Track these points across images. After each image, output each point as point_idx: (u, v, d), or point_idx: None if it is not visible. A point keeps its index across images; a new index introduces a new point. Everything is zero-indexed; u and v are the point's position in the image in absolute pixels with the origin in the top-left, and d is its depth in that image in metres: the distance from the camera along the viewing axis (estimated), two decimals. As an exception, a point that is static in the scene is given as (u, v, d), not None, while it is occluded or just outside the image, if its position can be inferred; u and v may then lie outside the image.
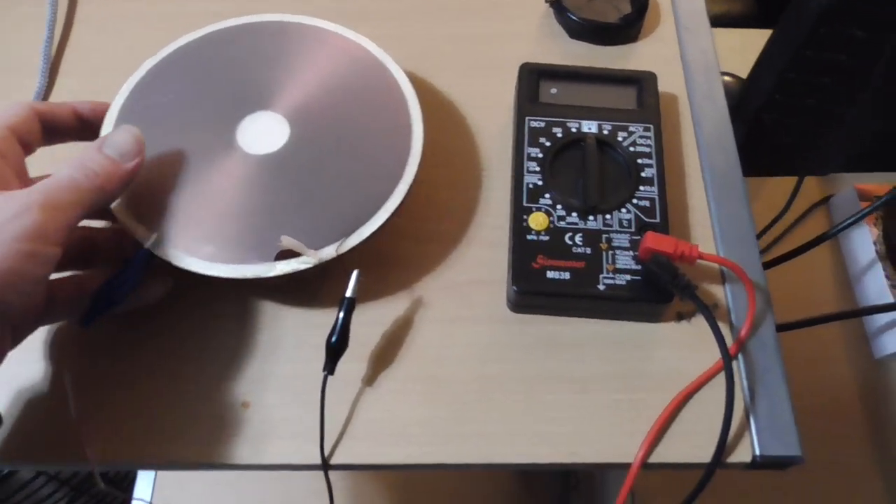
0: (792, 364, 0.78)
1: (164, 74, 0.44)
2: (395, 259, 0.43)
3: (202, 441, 0.38)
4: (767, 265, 0.70)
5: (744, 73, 1.01)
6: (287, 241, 0.37)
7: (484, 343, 0.41)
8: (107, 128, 0.41)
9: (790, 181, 0.77)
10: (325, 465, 0.37)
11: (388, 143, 0.41)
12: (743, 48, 0.90)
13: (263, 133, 0.41)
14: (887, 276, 0.74)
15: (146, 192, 0.39)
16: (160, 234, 0.38)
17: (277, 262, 0.37)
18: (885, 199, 0.63)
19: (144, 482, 0.80)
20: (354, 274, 0.38)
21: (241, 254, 0.38)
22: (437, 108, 0.49)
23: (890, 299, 0.73)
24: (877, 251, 0.76)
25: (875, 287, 0.75)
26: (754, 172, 0.67)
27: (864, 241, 0.78)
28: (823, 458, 0.73)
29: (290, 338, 0.41)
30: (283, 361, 0.40)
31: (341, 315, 0.38)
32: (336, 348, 0.37)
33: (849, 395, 0.75)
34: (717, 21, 1.21)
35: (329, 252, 0.38)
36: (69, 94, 0.49)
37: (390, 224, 0.40)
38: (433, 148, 0.47)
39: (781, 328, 0.62)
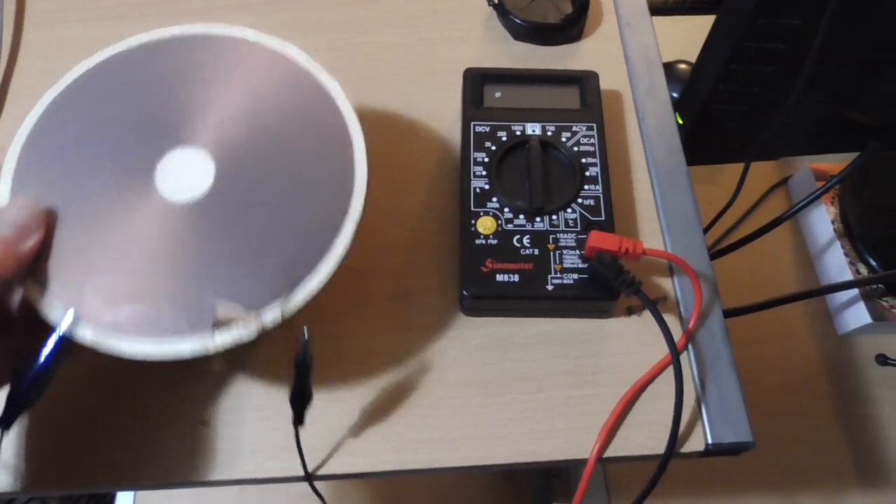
0: (758, 343, 0.79)
1: (69, 108, 0.38)
2: (345, 270, 0.44)
3: (169, 460, 0.39)
4: (727, 249, 0.71)
5: (694, 59, 1.02)
6: (223, 310, 0.33)
7: (439, 348, 0.42)
8: (4, 181, 0.36)
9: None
10: (309, 477, 0.38)
11: (328, 172, 0.37)
12: (692, 34, 0.92)
13: (185, 174, 0.36)
14: (846, 254, 0.76)
15: (53, 256, 0.34)
16: (75, 311, 0.33)
17: (216, 334, 0.33)
18: (837, 180, 0.65)
19: (125, 494, 0.81)
20: (305, 332, 0.34)
21: (172, 325, 0.33)
22: (383, 117, 0.49)
23: (849, 277, 0.74)
24: (835, 229, 0.77)
25: (835, 264, 0.77)
26: (705, 160, 0.69)
27: (822, 221, 0.79)
28: (792, 434, 0.74)
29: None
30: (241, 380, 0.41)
31: (298, 378, 0.34)
32: (300, 404, 0.35)
33: (815, 372, 0.77)
34: (674, 6, 1.22)
35: (273, 316, 0.33)
36: (18, 122, 0.49)
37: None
38: (381, 158, 0.47)
39: (742, 311, 0.63)
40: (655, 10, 0.55)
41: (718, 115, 0.57)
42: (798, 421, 0.75)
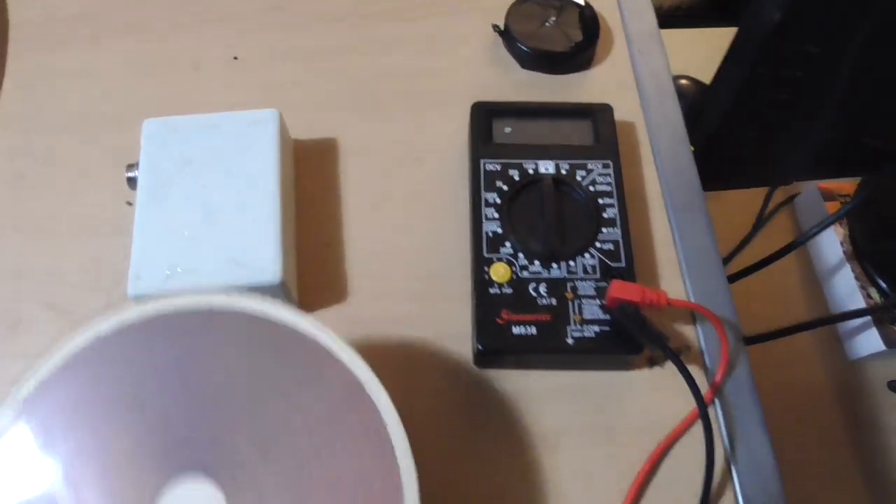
0: (767, 367, 0.77)
1: (49, 411, 0.29)
2: (353, 317, 0.41)
3: None
4: (735, 276, 0.69)
5: (696, 73, 1.00)
6: None
7: (450, 401, 0.39)
8: None
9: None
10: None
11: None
12: (693, 47, 0.90)
13: None
14: (856, 277, 0.74)
15: None
16: None
17: None
18: (851, 206, 0.63)
19: None
20: None
21: None
22: (384, 147, 0.47)
23: (860, 300, 0.73)
24: (844, 251, 0.76)
25: (845, 288, 0.75)
26: (713, 186, 0.66)
27: (830, 242, 0.77)
28: (801, 458, 0.73)
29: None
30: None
31: None
32: None
33: (824, 397, 0.75)
34: (669, 15, 1.20)
35: None
36: (0, 157, 0.46)
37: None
38: (382, 191, 0.45)
39: (753, 340, 0.61)
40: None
41: (730, 140, 0.55)
42: (807, 448, 0.73)
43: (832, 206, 0.78)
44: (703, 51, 1.06)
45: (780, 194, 0.83)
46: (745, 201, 0.84)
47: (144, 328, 0.31)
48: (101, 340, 0.31)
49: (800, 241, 0.67)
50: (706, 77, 0.94)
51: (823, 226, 0.65)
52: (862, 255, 0.74)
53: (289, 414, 0.30)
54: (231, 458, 0.29)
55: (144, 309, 0.31)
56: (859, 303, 0.72)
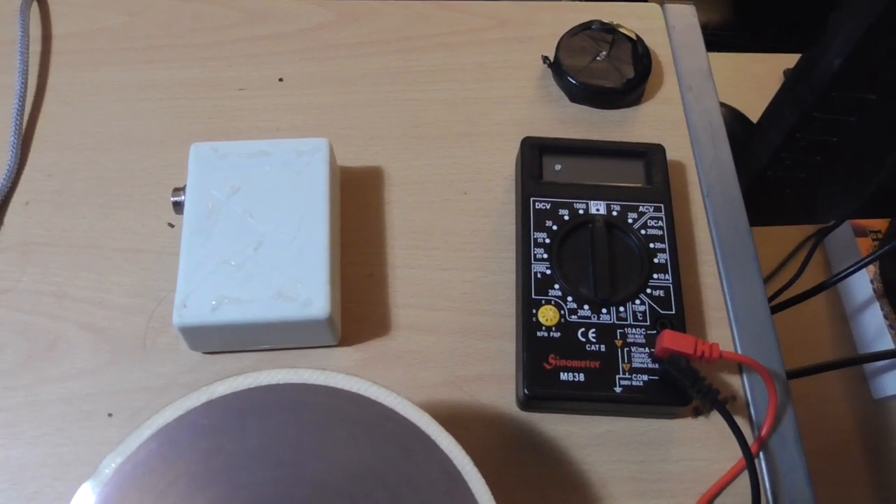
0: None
1: (140, 480, 0.28)
2: (396, 351, 0.41)
3: None
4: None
5: (727, 98, 0.99)
6: None
7: (492, 444, 0.39)
8: None
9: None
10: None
11: None
12: (723, 71, 0.89)
13: None
14: (885, 317, 0.73)
15: None
16: None
17: None
18: (886, 250, 0.62)
19: None
20: None
21: None
22: (432, 177, 0.46)
23: (888, 340, 0.72)
24: (874, 289, 0.75)
25: (873, 327, 0.74)
26: (754, 222, 0.66)
27: (860, 279, 0.77)
28: (823, 497, 0.72)
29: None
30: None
31: None
32: None
33: (849, 436, 0.74)
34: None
35: None
36: (42, 172, 0.46)
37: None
38: (429, 225, 0.44)
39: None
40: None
41: (776, 181, 0.54)
42: (831, 489, 0.72)
43: (864, 243, 0.77)
44: (730, 75, 1.06)
45: (810, 228, 0.82)
46: (771, 232, 0.83)
47: (234, 402, 0.30)
48: (190, 413, 0.30)
49: (832, 282, 0.66)
50: (730, 101, 0.93)
51: (857, 267, 0.64)
52: (892, 293, 0.74)
53: (387, 500, 0.28)
54: None
55: (235, 383, 0.30)
56: (887, 342, 0.71)
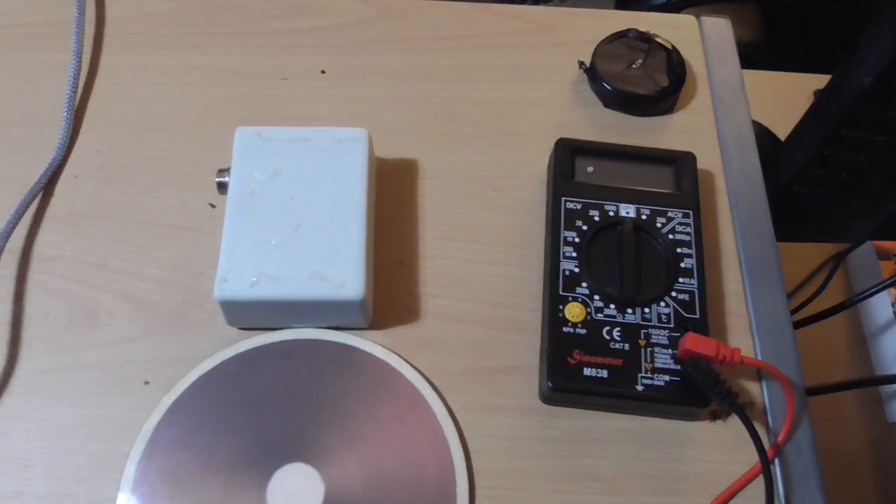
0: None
1: (183, 418, 0.39)
2: (422, 338, 0.42)
3: None
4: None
5: (754, 115, 1.00)
6: None
7: (512, 435, 0.40)
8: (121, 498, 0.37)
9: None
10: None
11: (431, 502, 0.37)
12: (752, 88, 0.90)
13: (296, 494, 0.37)
14: (904, 340, 0.73)
15: None
16: None
17: None
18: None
19: None
20: None
21: None
22: (462, 174, 0.47)
23: (906, 363, 0.72)
24: (895, 312, 0.75)
25: (892, 349, 0.74)
26: (777, 238, 0.66)
27: (880, 301, 0.77)
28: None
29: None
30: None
31: None
32: None
33: (862, 459, 0.74)
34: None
35: None
36: (90, 148, 0.47)
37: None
38: (460, 219, 0.46)
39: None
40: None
41: (802, 196, 0.55)
42: (841, 507, 0.72)
43: (887, 266, 0.77)
44: (758, 93, 1.06)
45: (832, 247, 0.83)
46: (792, 250, 0.83)
47: (256, 354, 0.40)
48: (239, 355, 0.40)
49: (852, 302, 0.66)
50: (758, 117, 0.94)
51: (879, 288, 0.64)
52: (913, 318, 0.74)
53: (366, 416, 0.39)
54: (322, 448, 0.38)
55: (255, 340, 0.41)
56: (906, 366, 0.71)
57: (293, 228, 0.40)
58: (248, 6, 0.54)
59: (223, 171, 0.42)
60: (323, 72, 0.51)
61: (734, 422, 0.40)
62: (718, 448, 0.40)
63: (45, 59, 0.50)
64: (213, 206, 0.45)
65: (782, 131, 0.72)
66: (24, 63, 0.50)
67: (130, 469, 0.37)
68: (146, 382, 0.40)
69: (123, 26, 0.52)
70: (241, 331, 0.42)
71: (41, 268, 0.43)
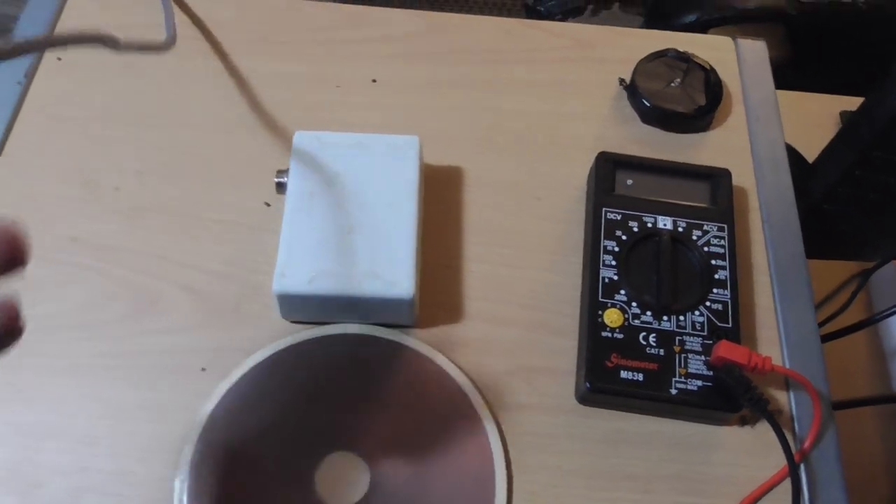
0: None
1: (238, 405, 0.41)
2: (465, 338, 0.44)
3: None
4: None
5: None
6: None
7: (548, 433, 0.42)
8: (180, 479, 0.39)
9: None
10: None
11: (471, 494, 0.39)
12: (780, 108, 0.91)
13: (343, 481, 0.39)
14: (925, 359, 0.74)
15: None
16: None
17: None
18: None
19: None
20: None
21: None
22: (503, 181, 0.50)
23: (927, 383, 0.73)
24: (916, 332, 0.76)
25: (912, 368, 0.76)
26: (807, 255, 0.68)
27: (902, 321, 0.78)
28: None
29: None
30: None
31: None
32: None
33: (879, 473, 0.75)
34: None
35: None
36: (154, 146, 0.50)
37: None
38: (503, 226, 0.48)
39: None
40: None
41: (831, 215, 0.56)
42: (857, 523, 0.73)
43: (909, 286, 0.79)
44: (787, 112, 1.08)
45: (857, 266, 0.84)
46: (817, 268, 0.85)
47: (307, 347, 0.43)
48: (292, 346, 0.43)
49: (876, 319, 0.68)
50: (786, 138, 0.95)
51: (903, 308, 0.66)
52: (934, 338, 0.75)
53: (411, 410, 0.41)
54: (373, 440, 0.40)
55: (307, 333, 0.43)
56: (926, 386, 0.73)
57: (348, 229, 0.42)
58: (305, 16, 0.56)
59: (282, 172, 0.44)
60: (374, 81, 0.53)
61: (762, 428, 0.42)
62: (746, 452, 0.41)
63: (118, 60, 0.53)
64: (268, 204, 0.48)
65: (808, 151, 0.73)
66: (93, 63, 0.53)
67: (187, 451, 0.39)
68: (203, 369, 0.42)
69: (188, 32, 0.55)
70: (293, 324, 0.44)
71: (106, 257, 0.46)
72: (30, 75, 0.52)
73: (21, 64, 0.52)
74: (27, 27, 0.54)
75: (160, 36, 0.49)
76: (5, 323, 0.26)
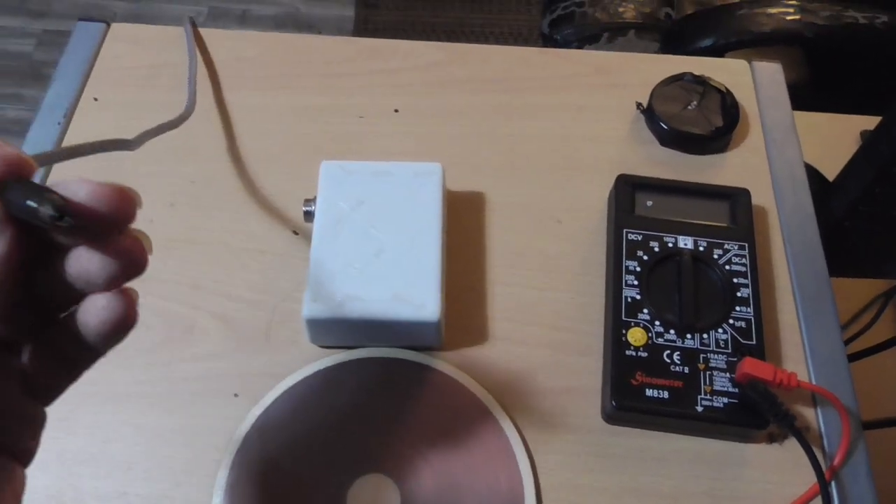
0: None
1: (271, 426, 0.42)
2: (491, 359, 0.45)
3: None
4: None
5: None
6: None
7: (575, 451, 0.42)
8: (216, 495, 0.40)
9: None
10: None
11: None
12: (799, 129, 0.91)
13: (374, 502, 0.40)
14: (957, 378, 0.73)
15: None
16: None
17: None
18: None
19: None
20: None
21: None
22: (530, 206, 0.50)
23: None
24: (945, 350, 0.75)
25: (943, 387, 0.75)
26: (829, 273, 0.68)
27: (932, 339, 0.77)
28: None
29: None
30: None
31: None
32: None
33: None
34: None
35: None
36: (186, 178, 0.52)
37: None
38: (525, 249, 0.49)
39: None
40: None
41: (853, 233, 0.57)
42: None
43: (936, 304, 0.78)
44: (805, 132, 1.08)
45: (882, 284, 0.83)
46: (842, 286, 0.84)
47: (337, 371, 0.44)
48: (322, 371, 0.44)
49: (904, 337, 0.67)
50: (805, 157, 0.95)
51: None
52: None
53: (440, 431, 0.42)
54: (399, 460, 0.41)
55: (336, 358, 0.44)
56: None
57: (375, 254, 0.43)
58: (328, 50, 0.58)
59: (309, 201, 0.46)
60: (396, 110, 0.55)
61: (790, 445, 0.42)
62: (775, 470, 0.41)
63: (148, 98, 0.55)
64: (296, 233, 0.49)
65: (830, 171, 0.74)
66: (128, 102, 0.55)
67: (222, 475, 0.40)
68: (236, 395, 0.43)
69: (215, 69, 0.57)
70: (322, 349, 0.45)
71: (140, 287, 0.47)
72: (68, 115, 0.54)
73: (61, 105, 0.54)
74: (65, 73, 0.56)
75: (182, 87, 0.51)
76: (125, 314, 0.27)
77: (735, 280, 0.44)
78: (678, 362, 0.41)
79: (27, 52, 1.75)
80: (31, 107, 1.67)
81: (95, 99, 0.55)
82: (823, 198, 0.58)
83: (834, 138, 0.99)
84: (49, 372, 0.27)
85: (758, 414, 0.40)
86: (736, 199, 0.47)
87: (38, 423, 0.28)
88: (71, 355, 0.27)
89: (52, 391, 0.28)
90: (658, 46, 1.08)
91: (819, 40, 0.91)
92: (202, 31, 0.59)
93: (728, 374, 0.41)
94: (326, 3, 1.88)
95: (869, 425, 0.63)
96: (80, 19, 0.59)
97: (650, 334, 0.42)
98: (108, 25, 0.59)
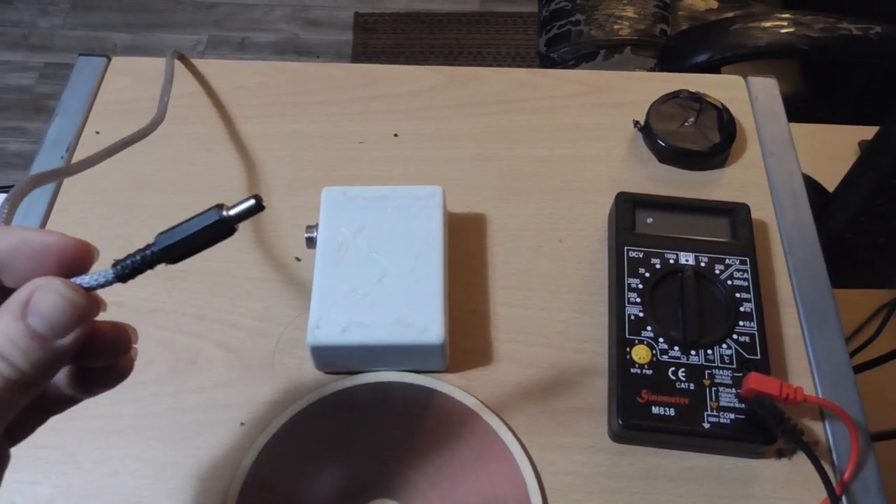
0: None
1: (280, 452, 0.42)
2: (497, 381, 0.45)
3: None
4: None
5: (801, 167, 1.01)
6: None
7: (585, 472, 0.42)
8: None
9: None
10: None
11: None
12: (798, 140, 0.92)
13: None
14: (966, 386, 0.73)
15: None
16: None
17: None
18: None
19: None
20: None
21: None
22: (525, 227, 0.51)
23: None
24: (953, 358, 0.75)
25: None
26: (832, 285, 0.68)
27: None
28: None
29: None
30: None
31: None
32: None
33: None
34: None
35: None
36: (188, 209, 0.52)
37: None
38: (527, 269, 0.49)
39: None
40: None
41: (854, 244, 0.57)
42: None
43: (942, 312, 0.78)
44: (804, 144, 1.08)
45: (886, 294, 0.83)
46: (845, 298, 0.84)
47: (342, 397, 0.44)
48: (328, 397, 0.43)
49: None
50: (805, 169, 0.96)
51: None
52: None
53: (447, 454, 0.42)
54: (407, 484, 0.41)
55: (342, 384, 0.44)
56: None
57: (377, 279, 0.43)
58: (327, 77, 0.59)
59: (311, 227, 0.46)
60: (396, 135, 0.55)
61: (799, 460, 0.41)
62: (785, 486, 0.41)
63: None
64: (298, 259, 0.49)
65: (828, 181, 0.74)
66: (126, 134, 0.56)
67: (235, 490, 0.40)
68: (242, 423, 0.43)
69: (215, 98, 0.57)
70: (327, 375, 0.45)
71: (145, 319, 0.47)
72: (71, 149, 0.54)
73: (63, 139, 0.55)
74: (67, 108, 0.57)
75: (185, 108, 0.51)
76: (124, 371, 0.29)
77: (737, 295, 0.44)
78: (683, 379, 0.41)
79: (29, 85, 1.77)
80: (34, 139, 1.69)
81: (97, 132, 0.56)
82: (824, 209, 0.59)
83: (832, 149, 1.00)
84: (23, 416, 0.27)
85: (765, 429, 0.40)
86: (736, 213, 0.47)
87: (2, 463, 0.27)
88: (49, 402, 0.27)
89: (24, 433, 0.28)
90: (654, 63, 1.09)
91: (814, 52, 0.92)
92: (201, 61, 0.59)
93: (734, 390, 0.41)
94: (324, 29, 1.90)
95: (877, 437, 0.63)
96: (81, 54, 0.60)
97: (654, 351, 0.42)
98: (109, 59, 0.60)
